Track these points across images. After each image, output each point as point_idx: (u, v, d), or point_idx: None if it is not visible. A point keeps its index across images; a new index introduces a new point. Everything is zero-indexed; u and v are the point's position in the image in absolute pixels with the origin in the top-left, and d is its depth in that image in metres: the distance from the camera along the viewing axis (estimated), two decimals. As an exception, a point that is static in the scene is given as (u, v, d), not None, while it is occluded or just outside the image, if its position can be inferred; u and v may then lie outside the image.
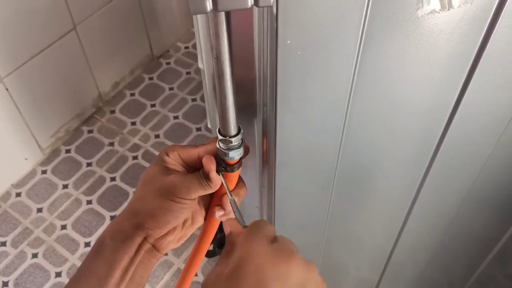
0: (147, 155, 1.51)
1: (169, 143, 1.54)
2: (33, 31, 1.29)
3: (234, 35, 0.34)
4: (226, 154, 0.43)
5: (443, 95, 0.47)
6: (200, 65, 0.49)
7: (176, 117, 1.60)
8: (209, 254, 0.54)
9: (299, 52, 0.35)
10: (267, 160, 0.51)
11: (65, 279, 1.28)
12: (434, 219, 0.72)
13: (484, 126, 0.53)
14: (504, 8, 0.39)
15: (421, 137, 0.53)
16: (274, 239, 0.38)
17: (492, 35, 0.41)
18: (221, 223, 0.51)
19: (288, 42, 0.34)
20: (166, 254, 1.31)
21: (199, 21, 0.44)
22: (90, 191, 1.43)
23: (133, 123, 1.58)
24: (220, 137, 0.42)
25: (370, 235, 0.75)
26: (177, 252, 1.31)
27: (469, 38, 0.41)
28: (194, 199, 0.44)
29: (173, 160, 0.45)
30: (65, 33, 1.37)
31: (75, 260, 1.31)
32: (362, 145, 0.52)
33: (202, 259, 0.52)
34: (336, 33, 0.36)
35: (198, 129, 1.57)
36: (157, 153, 1.52)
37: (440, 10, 0.37)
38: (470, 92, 0.46)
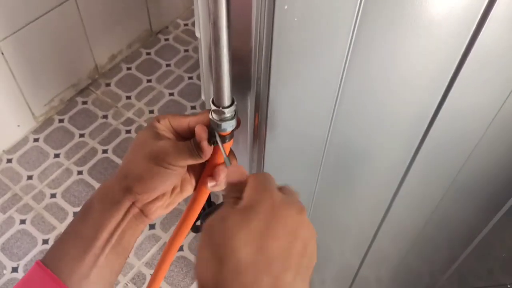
0: (140, 130, 1.51)
1: (163, 119, 1.54)
2: (32, -3, 1.27)
3: (233, 1, 0.34)
4: (219, 125, 0.43)
5: (435, 81, 0.48)
6: (197, 34, 0.49)
7: (171, 94, 1.60)
8: (194, 229, 0.54)
9: (296, 19, 0.35)
10: (258, 135, 0.52)
11: (51, 247, 1.29)
12: (418, 206, 0.74)
13: (474, 113, 0.54)
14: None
15: (411, 122, 0.54)
16: (280, 189, 0.38)
17: (486, 23, 0.41)
18: (209, 197, 0.52)
19: (286, 7, 0.34)
20: (154, 227, 1.32)
21: (199, -11, 0.44)
22: (81, 161, 1.43)
23: (128, 97, 1.58)
24: (213, 107, 0.43)
25: (353, 220, 0.76)
26: (165, 226, 1.33)
27: (466, 20, 0.41)
28: (183, 166, 0.44)
29: (164, 127, 0.45)
30: (64, 0, 1.36)
31: (63, 228, 1.31)
32: (352, 126, 0.53)
33: (188, 229, 0.53)
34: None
35: (193, 107, 1.57)
36: (150, 128, 1.52)
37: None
38: (461, 79, 0.47)
